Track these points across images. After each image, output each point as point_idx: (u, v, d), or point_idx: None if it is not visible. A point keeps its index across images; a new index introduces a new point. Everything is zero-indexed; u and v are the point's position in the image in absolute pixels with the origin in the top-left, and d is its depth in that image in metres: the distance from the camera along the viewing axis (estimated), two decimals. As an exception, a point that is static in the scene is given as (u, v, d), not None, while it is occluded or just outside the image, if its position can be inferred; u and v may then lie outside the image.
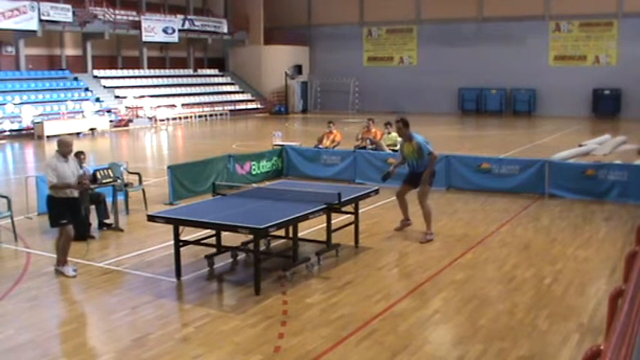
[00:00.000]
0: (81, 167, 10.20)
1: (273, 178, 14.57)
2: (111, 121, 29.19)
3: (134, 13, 34.78)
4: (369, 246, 9.33)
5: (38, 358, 5.82)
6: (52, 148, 23.17)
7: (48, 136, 25.10)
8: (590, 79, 34.66)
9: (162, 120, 32.16)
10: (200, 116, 34.63)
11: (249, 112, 38.29)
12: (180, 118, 33.28)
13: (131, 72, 35.05)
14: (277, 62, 39.78)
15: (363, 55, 41.20)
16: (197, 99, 36.16)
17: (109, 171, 10.79)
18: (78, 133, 26.32)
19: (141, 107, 32.00)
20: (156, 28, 34.80)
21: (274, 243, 9.21)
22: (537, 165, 12.93)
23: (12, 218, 9.91)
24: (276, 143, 17.33)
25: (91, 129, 27.06)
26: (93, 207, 10.27)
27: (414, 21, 39.45)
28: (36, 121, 25.90)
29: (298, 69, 40.11)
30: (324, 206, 8.11)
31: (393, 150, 14.78)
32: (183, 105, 34.33)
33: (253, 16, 40.57)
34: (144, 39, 34.35)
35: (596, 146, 19.53)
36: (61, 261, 8.07)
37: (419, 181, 9.62)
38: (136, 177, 12.38)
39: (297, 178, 14.41)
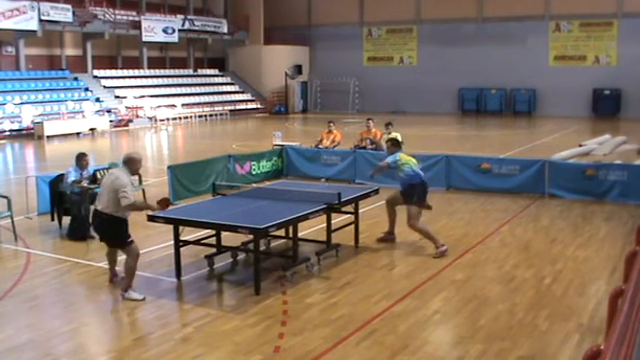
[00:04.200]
0: (83, 170, 10.23)
1: (273, 178, 14.57)
2: (111, 121, 29.19)
3: (134, 13, 34.77)
4: (369, 246, 9.33)
5: (38, 358, 5.82)
6: (52, 148, 23.37)
7: (48, 136, 25.12)
8: (590, 79, 34.66)
9: (163, 120, 32.15)
10: (200, 116, 34.63)
11: (249, 112, 38.28)
12: (180, 118, 33.28)
13: (131, 72, 35.04)
14: (277, 62, 39.78)
15: (363, 55, 41.19)
16: (197, 99, 36.16)
17: (109, 171, 10.77)
18: (78, 133, 26.35)
19: (141, 107, 32.00)
20: (156, 28, 34.80)
21: (274, 243, 9.21)
22: (537, 165, 12.94)
23: (12, 218, 9.90)
24: (276, 143, 17.33)
25: (91, 129, 27.06)
26: (93, 207, 10.25)
27: (414, 21, 39.44)
28: (36, 121, 25.90)
29: (298, 69, 40.09)
30: (324, 206, 8.11)
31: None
32: (183, 105, 34.32)
33: (253, 16, 40.57)
34: (144, 39, 34.35)
35: (596, 146, 19.54)
36: (130, 285, 7.21)
37: (405, 202, 9.13)
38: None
39: (297, 178, 14.41)
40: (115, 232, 7.21)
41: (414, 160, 9.28)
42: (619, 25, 34.33)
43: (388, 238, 9.66)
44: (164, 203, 7.36)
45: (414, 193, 8.97)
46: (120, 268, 7.64)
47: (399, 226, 10.16)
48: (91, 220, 7.43)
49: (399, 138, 15.21)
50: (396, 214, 9.60)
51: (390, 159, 9.16)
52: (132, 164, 7.33)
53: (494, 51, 36.68)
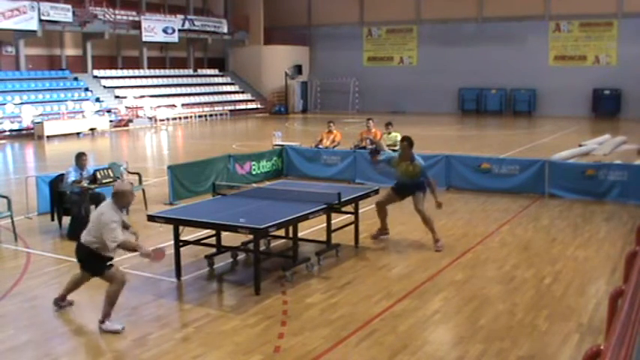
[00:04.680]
0: (82, 169, 10.24)
1: (273, 178, 14.57)
2: (111, 121, 29.19)
3: (134, 13, 34.77)
4: (369, 246, 9.33)
5: (38, 358, 5.83)
6: (52, 148, 23.35)
7: (48, 136, 25.13)
8: (590, 79, 34.66)
9: (163, 120, 32.15)
10: (200, 116, 34.64)
11: (249, 112, 38.28)
12: (180, 118, 33.28)
13: (131, 72, 35.04)
14: (277, 62, 39.78)
15: (363, 55, 41.19)
16: (197, 99, 36.16)
17: (109, 171, 10.79)
18: (78, 133, 26.35)
19: (141, 107, 32.00)
20: (156, 28, 34.80)
21: (274, 243, 9.21)
22: (537, 165, 12.94)
23: (12, 218, 9.90)
24: (276, 143, 17.33)
25: (91, 129, 27.06)
26: (93, 207, 10.25)
27: (414, 21, 39.44)
28: (36, 121, 25.90)
29: (298, 69, 40.09)
30: (324, 206, 8.11)
31: (393, 150, 14.75)
32: (183, 105, 34.32)
33: (253, 16, 40.58)
34: (144, 39, 34.35)
35: (596, 146, 19.54)
36: (109, 314, 6.40)
37: (406, 193, 9.35)
38: (136, 177, 12.39)
39: (297, 178, 14.40)
40: (93, 263, 6.48)
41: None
42: (619, 25, 34.34)
43: (383, 234, 9.72)
44: (159, 255, 6.50)
45: (425, 188, 9.27)
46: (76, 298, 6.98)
47: (398, 225, 10.20)
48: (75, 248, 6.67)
49: (400, 138, 15.29)
50: (387, 213, 9.68)
51: (422, 161, 9.31)
52: (121, 198, 6.46)
53: (494, 51, 36.68)
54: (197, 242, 8.31)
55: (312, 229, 9.47)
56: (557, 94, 35.44)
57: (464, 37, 37.57)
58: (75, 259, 6.80)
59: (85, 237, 6.45)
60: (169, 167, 12.85)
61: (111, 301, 6.36)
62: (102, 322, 6.34)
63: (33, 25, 28.76)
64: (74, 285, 6.86)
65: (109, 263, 6.46)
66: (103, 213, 6.37)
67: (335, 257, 8.68)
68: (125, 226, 6.69)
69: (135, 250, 6.46)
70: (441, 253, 8.86)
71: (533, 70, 35.95)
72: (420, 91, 38.60)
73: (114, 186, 6.67)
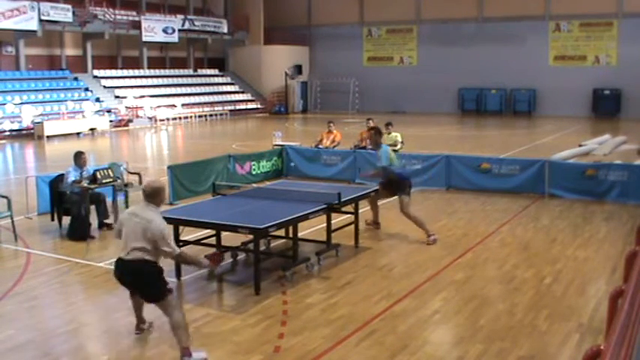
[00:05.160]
0: (82, 168, 10.25)
1: (273, 178, 14.57)
2: (111, 121, 29.19)
3: (134, 13, 34.77)
4: (369, 246, 9.33)
5: (38, 358, 5.82)
6: (52, 148, 23.34)
7: (48, 136, 25.13)
8: (590, 79, 34.65)
9: (163, 120, 32.16)
10: (200, 116, 34.64)
11: (249, 112, 38.29)
12: (180, 118, 33.28)
13: (131, 72, 35.04)
14: (277, 62, 39.77)
15: (363, 55, 41.19)
16: (197, 99, 36.16)
17: (109, 171, 10.80)
18: (78, 133, 26.35)
19: (141, 107, 32.00)
20: (156, 28, 34.80)
21: (274, 243, 9.21)
22: (537, 165, 12.93)
23: (12, 218, 9.90)
24: (276, 143, 17.33)
25: (91, 129, 27.06)
26: (93, 207, 10.28)
27: (414, 21, 39.44)
28: (36, 121, 25.90)
29: (298, 69, 40.08)
30: (324, 206, 8.11)
31: (394, 150, 14.74)
32: (183, 105, 34.33)
33: (253, 16, 40.58)
34: (144, 39, 34.35)
35: (596, 146, 19.54)
36: (188, 345, 5.62)
37: (392, 188, 9.62)
38: (136, 177, 12.38)
39: (297, 178, 14.40)
40: (152, 282, 5.63)
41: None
42: (619, 25, 34.33)
43: (374, 226, 10.19)
44: (216, 259, 6.34)
45: (408, 185, 9.57)
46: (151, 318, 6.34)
47: (399, 225, 10.19)
48: (114, 272, 5.90)
49: (400, 138, 15.40)
50: (378, 208, 10.18)
51: (385, 161, 9.60)
52: (158, 197, 5.70)
53: (494, 51, 36.67)
54: (197, 242, 8.31)
55: (312, 229, 9.46)
56: (557, 94, 35.44)
57: (464, 37, 37.56)
58: (118, 281, 5.98)
59: (133, 249, 5.55)
60: (169, 167, 12.85)
61: (183, 329, 5.58)
62: (187, 355, 5.53)
63: (33, 25, 28.75)
64: (138, 305, 6.18)
65: (168, 286, 5.68)
66: (152, 220, 5.51)
67: (335, 257, 8.68)
68: None
69: (193, 264, 6.12)
70: (441, 253, 8.86)
71: (533, 70, 35.95)
72: (420, 91, 38.60)
73: (146, 185, 5.78)
